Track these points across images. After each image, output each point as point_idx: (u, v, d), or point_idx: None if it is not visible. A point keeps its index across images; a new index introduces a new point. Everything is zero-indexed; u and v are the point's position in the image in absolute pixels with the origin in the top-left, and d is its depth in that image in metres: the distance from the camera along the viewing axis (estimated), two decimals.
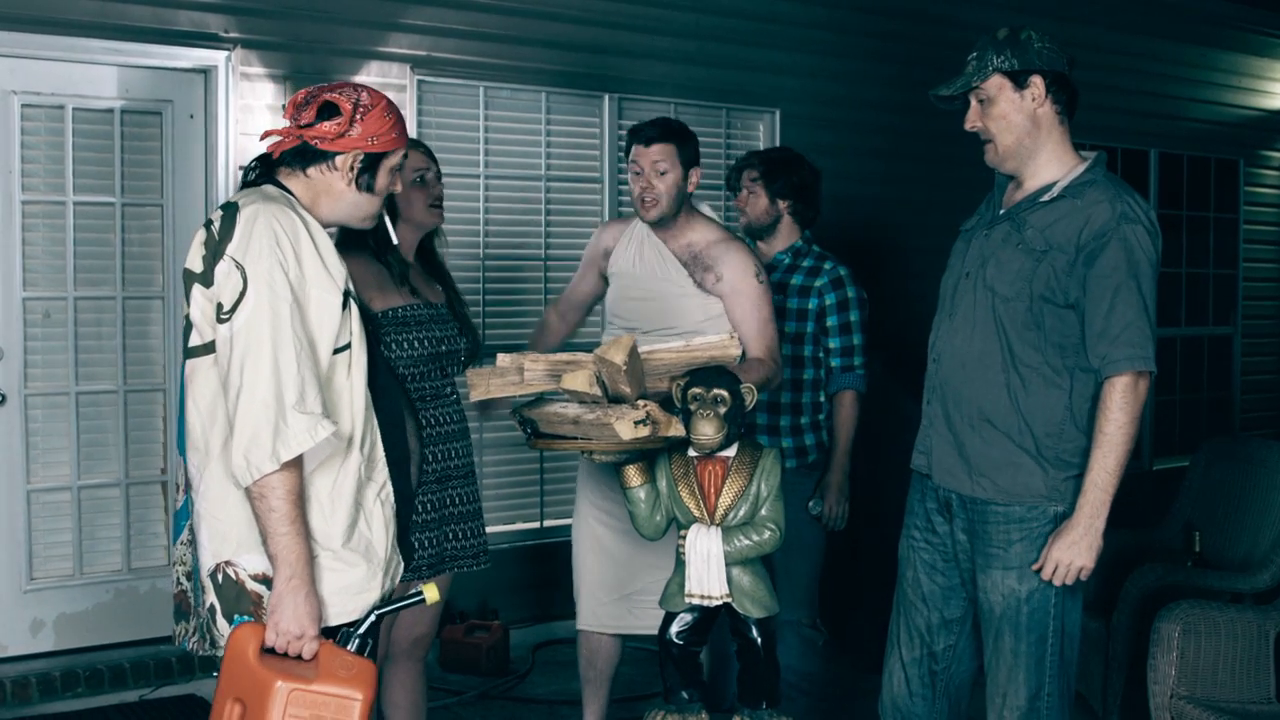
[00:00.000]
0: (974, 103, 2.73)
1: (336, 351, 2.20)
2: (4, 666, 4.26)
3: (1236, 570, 3.87)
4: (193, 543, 2.25)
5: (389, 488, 2.30)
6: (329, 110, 2.27)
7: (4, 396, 4.33)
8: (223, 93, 4.52)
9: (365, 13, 4.81)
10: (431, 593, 2.24)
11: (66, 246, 4.41)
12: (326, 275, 2.18)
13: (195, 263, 2.19)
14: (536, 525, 5.33)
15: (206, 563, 2.19)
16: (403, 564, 2.35)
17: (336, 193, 2.30)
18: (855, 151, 5.85)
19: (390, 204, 3.11)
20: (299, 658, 2.11)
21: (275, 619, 2.09)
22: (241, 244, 2.12)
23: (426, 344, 3.03)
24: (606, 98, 5.40)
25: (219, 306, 2.12)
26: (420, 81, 4.98)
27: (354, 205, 2.33)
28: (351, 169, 2.28)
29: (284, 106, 2.37)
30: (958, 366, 2.74)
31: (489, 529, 5.04)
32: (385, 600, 2.27)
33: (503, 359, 2.68)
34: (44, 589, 4.40)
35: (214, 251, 2.15)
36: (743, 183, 3.96)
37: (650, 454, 2.70)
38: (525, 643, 4.89)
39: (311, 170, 2.28)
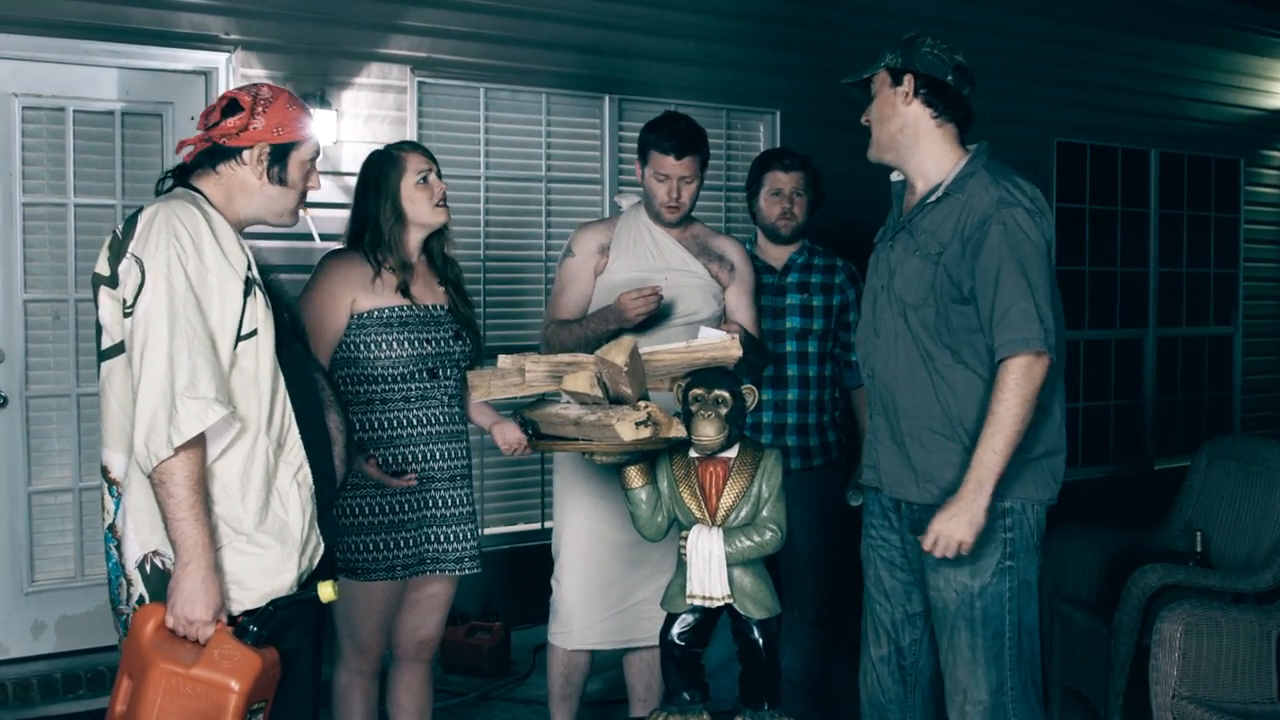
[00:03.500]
0: (873, 99, 2.84)
1: (244, 338, 2.26)
2: (6, 668, 4.26)
3: (1238, 570, 3.86)
4: (118, 538, 2.29)
5: (306, 469, 2.35)
6: (231, 107, 2.35)
7: (5, 399, 4.33)
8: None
9: (366, 15, 4.81)
10: (325, 591, 2.27)
11: (68, 248, 4.41)
12: (227, 264, 2.24)
13: (102, 266, 2.27)
14: (538, 526, 5.33)
15: (134, 554, 2.25)
16: (322, 545, 2.39)
17: (250, 187, 2.37)
18: (855, 152, 5.84)
19: (397, 209, 3.11)
20: (198, 642, 2.16)
21: (171, 603, 2.15)
22: (141, 240, 2.20)
23: (410, 345, 3.03)
24: (607, 99, 5.40)
25: (123, 302, 2.20)
26: (421, 83, 4.98)
27: (268, 199, 2.40)
28: (260, 161, 2.35)
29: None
30: (890, 378, 2.78)
31: (490, 530, 5.08)
32: (301, 581, 2.31)
33: (504, 360, 2.68)
34: (45, 591, 4.40)
35: (117, 252, 2.23)
36: (794, 189, 3.98)
37: (651, 455, 2.70)
38: (526, 644, 4.89)
39: (221, 167, 2.36)
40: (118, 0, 4.34)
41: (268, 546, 2.26)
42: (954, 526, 2.59)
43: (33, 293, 4.37)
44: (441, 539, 3.12)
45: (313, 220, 2.54)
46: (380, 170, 3.08)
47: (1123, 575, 3.86)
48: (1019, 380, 2.57)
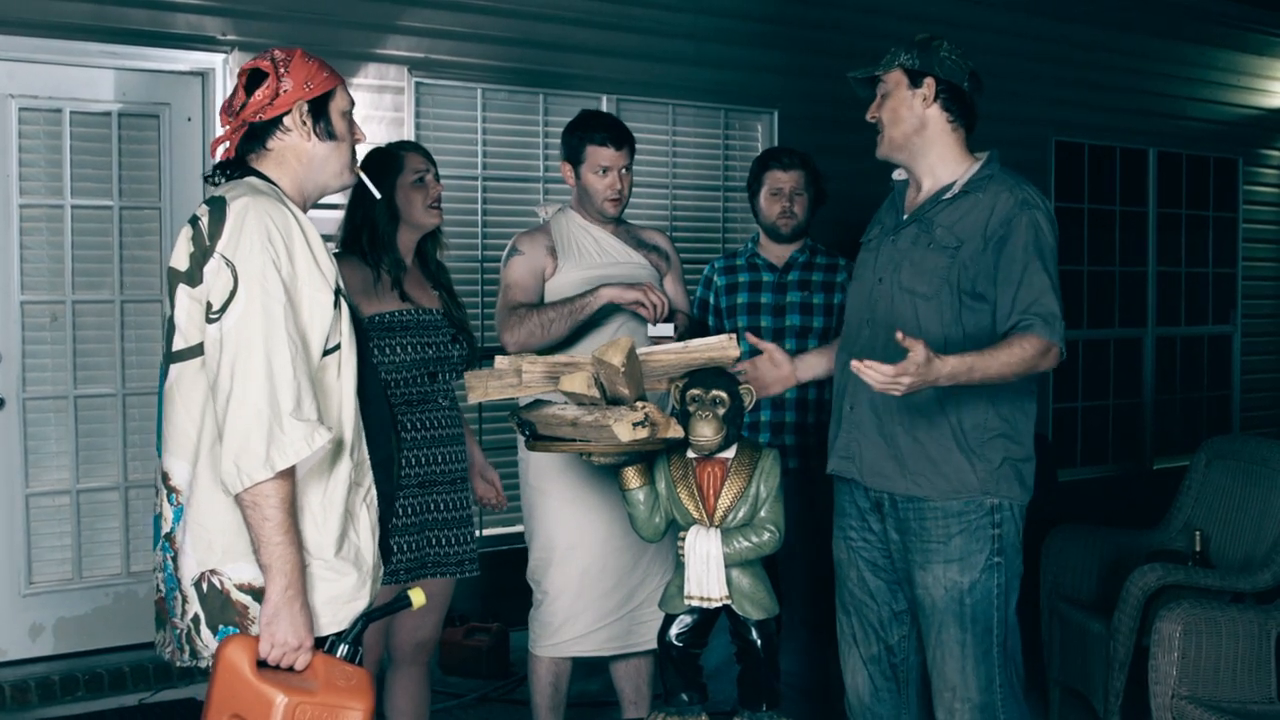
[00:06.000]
0: (878, 95, 2.85)
1: (327, 353, 2.13)
2: (3, 671, 4.25)
3: (1237, 570, 3.86)
4: (175, 549, 2.18)
5: (374, 491, 2.25)
6: (254, 79, 2.22)
7: (3, 400, 4.32)
8: (220, 95, 4.51)
9: (363, 15, 4.81)
10: (418, 596, 2.22)
11: (65, 250, 4.40)
12: (319, 273, 2.11)
13: (181, 261, 2.12)
14: None
15: (191, 571, 2.12)
16: (383, 568, 2.31)
17: (305, 153, 2.24)
18: (854, 152, 5.83)
19: (391, 207, 3.11)
20: (291, 669, 2.07)
21: (272, 631, 2.04)
22: (232, 240, 2.04)
23: (413, 349, 3.03)
24: (605, 99, 5.40)
25: (208, 306, 2.05)
26: (418, 84, 4.98)
27: (324, 159, 2.26)
28: (304, 122, 2.22)
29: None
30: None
31: (488, 531, 5.08)
32: (369, 605, 2.23)
33: (501, 361, 2.67)
34: (43, 593, 4.39)
35: (202, 249, 2.08)
36: (794, 188, 3.99)
37: (649, 456, 2.69)
38: (525, 645, 4.87)
39: (270, 142, 2.22)
40: (114, 1, 4.33)
41: (345, 573, 2.15)
42: (904, 379, 2.42)
43: (30, 294, 4.36)
44: (442, 542, 3.12)
45: (367, 178, 2.38)
46: (378, 168, 3.08)
47: (1122, 575, 3.85)
48: (1032, 355, 2.57)
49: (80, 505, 4.46)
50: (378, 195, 2.47)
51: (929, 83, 2.77)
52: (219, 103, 4.49)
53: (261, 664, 2.06)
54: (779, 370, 2.98)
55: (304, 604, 2.05)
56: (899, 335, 2.44)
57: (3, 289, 4.30)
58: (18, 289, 4.33)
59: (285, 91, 2.19)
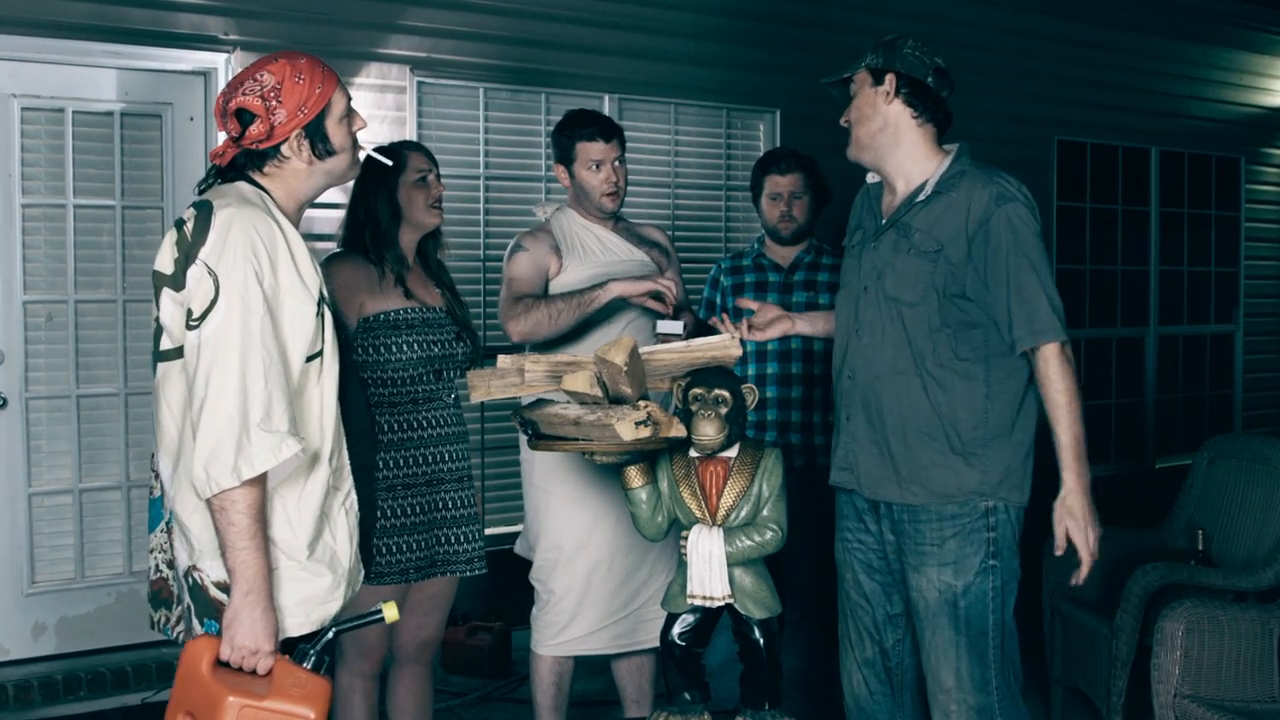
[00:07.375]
0: (853, 99, 2.83)
1: (308, 360, 2.15)
2: (6, 670, 4.26)
3: (1240, 569, 3.86)
4: (170, 540, 2.24)
5: (354, 496, 2.28)
6: (246, 117, 2.20)
7: (5, 400, 4.33)
8: None
9: (365, 14, 4.81)
10: (390, 611, 2.22)
11: (67, 250, 4.41)
12: (301, 285, 2.13)
13: (165, 264, 2.14)
14: None
15: (181, 564, 2.18)
16: (363, 572, 2.32)
17: (303, 173, 2.25)
18: None
19: (394, 205, 3.11)
20: (254, 673, 2.09)
21: (231, 633, 2.07)
22: (216, 249, 2.06)
23: (418, 347, 3.03)
24: (606, 99, 5.40)
25: (188, 313, 2.07)
26: (420, 83, 4.98)
27: (326, 174, 2.28)
28: (300, 149, 2.22)
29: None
30: (873, 379, 2.76)
31: (491, 530, 5.08)
32: (345, 609, 2.25)
33: (503, 360, 2.67)
34: (46, 592, 4.40)
35: (186, 254, 2.09)
36: (793, 192, 3.99)
37: (652, 455, 2.69)
38: (527, 644, 4.87)
39: (268, 166, 2.23)
40: (117, 1, 4.34)
41: (319, 575, 2.19)
42: (1075, 526, 2.62)
43: (32, 294, 4.36)
44: (451, 540, 3.12)
45: (374, 150, 2.34)
46: (381, 166, 3.07)
47: (1124, 574, 3.85)
48: (1061, 365, 2.60)
49: (83, 505, 4.46)
50: (389, 163, 2.44)
51: (889, 78, 2.74)
52: None
53: (226, 665, 2.09)
54: (772, 312, 3.00)
55: (265, 609, 2.07)
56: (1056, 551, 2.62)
57: (5, 289, 4.31)
58: (20, 289, 4.33)
59: (280, 125, 2.19)
